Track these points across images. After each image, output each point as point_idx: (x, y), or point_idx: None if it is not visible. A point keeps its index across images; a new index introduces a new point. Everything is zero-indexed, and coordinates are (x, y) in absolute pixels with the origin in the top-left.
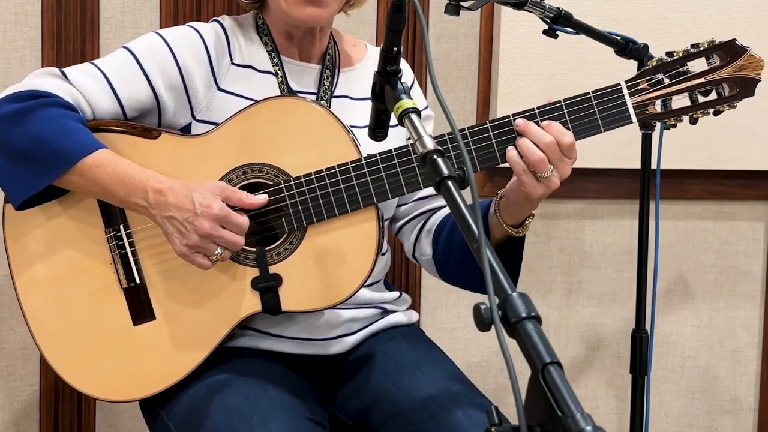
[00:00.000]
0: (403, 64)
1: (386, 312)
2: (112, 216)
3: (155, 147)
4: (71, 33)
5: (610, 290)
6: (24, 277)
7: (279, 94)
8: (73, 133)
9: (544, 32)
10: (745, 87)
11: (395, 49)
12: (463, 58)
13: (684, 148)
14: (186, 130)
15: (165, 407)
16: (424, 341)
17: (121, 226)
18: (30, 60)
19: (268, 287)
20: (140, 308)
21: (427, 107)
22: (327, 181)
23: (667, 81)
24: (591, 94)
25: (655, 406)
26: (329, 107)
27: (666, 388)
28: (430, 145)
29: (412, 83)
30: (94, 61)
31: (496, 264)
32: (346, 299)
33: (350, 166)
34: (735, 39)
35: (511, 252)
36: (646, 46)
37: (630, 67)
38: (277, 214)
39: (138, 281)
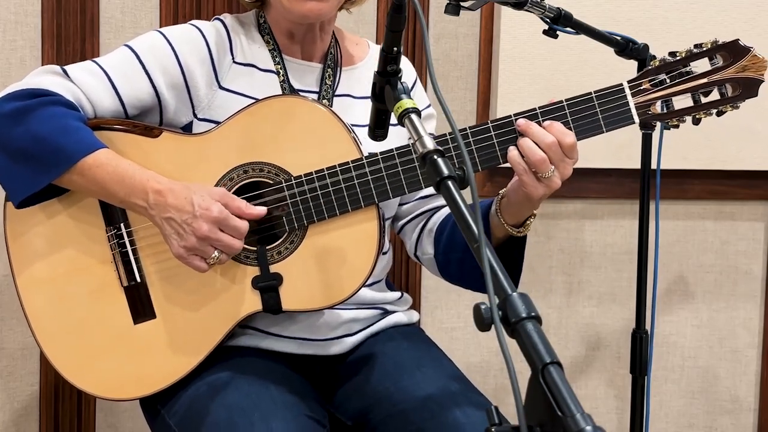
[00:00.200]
0: (406, 62)
1: (387, 312)
2: (113, 214)
3: (156, 145)
4: (71, 33)
5: (610, 290)
6: (25, 276)
7: (280, 92)
8: (74, 132)
9: (544, 32)
10: (749, 87)
11: (395, 49)
12: (463, 58)
13: (684, 148)
14: (187, 129)
15: (165, 405)
16: (424, 341)
17: (122, 225)
18: (30, 60)
19: (268, 286)
20: (141, 307)
21: (429, 106)
22: (328, 180)
23: (669, 81)
24: (593, 94)
25: (655, 406)
26: (331, 106)
27: (666, 388)
28: (430, 144)
29: (415, 81)
30: (95, 59)
31: (496, 264)
32: (346, 299)
33: (351, 165)
34: (738, 39)
35: (512, 252)
36: (646, 46)
37: (630, 67)
38: (278, 213)
39: (138, 280)
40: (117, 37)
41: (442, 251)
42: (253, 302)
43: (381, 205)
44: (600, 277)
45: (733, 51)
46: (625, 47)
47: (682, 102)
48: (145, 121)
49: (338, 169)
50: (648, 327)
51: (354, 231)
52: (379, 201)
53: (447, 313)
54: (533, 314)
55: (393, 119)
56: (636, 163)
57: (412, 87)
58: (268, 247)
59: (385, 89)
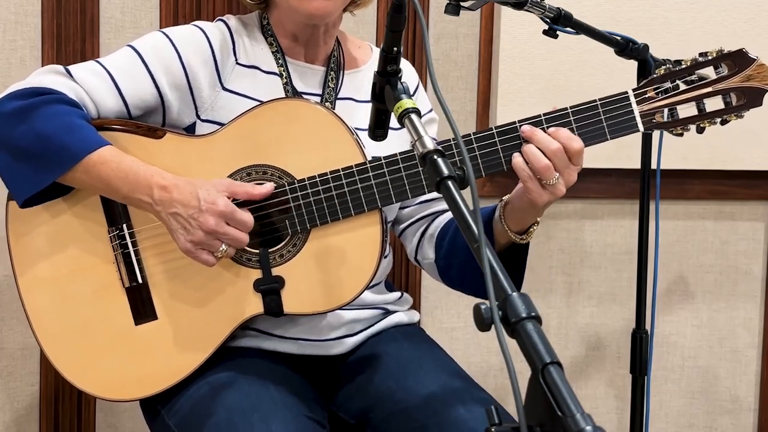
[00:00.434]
0: (408, 67)
1: (388, 312)
2: (115, 215)
3: (159, 146)
4: (71, 33)
5: (610, 290)
6: (27, 276)
7: (284, 94)
8: (78, 130)
9: (544, 32)
10: (753, 97)
11: (395, 49)
12: (463, 58)
13: (684, 148)
14: (190, 130)
15: (165, 406)
16: (425, 340)
17: (125, 225)
18: (30, 60)
19: (270, 289)
20: (142, 308)
21: (431, 110)
22: (332, 185)
23: (674, 90)
24: (598, 102)
25: (655, 406)
26: (333, 109)
27: (666, 388)
28: (430, 145)
29: (417, 87)
30: (98, 59)
31: (496, 264)
32: (348, 303)
33: (355, 170)
34: (743, 48)
35: (514, 258)
36: (646, 46)
37: (630, 67)
38: (281, 215)
39: (140, 281)
40: (117, 37)
41: (443, 256)
42: (254, 305)
43: (383, 209)
44: (600, 277)
45: (739, 60)
46: (625, 47)
47: (687, 110)
48: (148, 122)
49: (342, 173)
50: (648, 327)
51: (357, 235)
52: (383, 206)
53: (447, 313)
54: (533, 314)
55: (395, 122)
56: (636, 163)
57: (414, 92)
58: (270, 250)
59: (385, 89)
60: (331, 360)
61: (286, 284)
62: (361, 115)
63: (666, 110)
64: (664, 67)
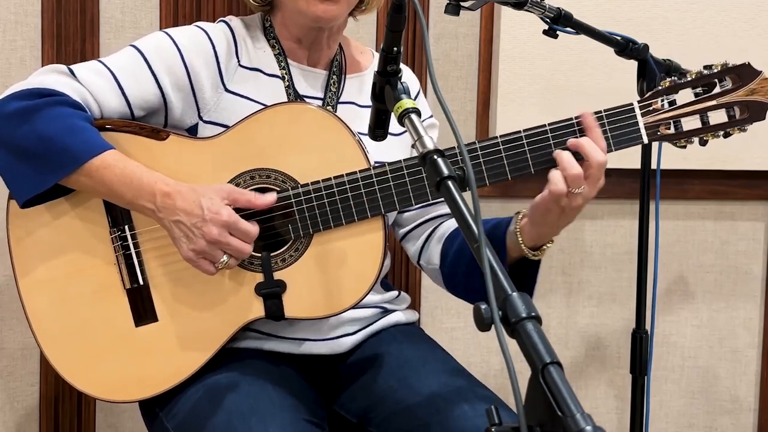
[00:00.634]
0: (409, 74)
1: (387, 311)
2: (117, 216)
3: (163, 148)
4: (71, 33)
5: (610, 290)
6: (27, 277)
7: (285, 97)
8: (81, 132)
9: (544, 32)
10: (757, 111)
11: (395, 49)
12: (463, 58)
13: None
14: (192, 131)
15: (164, 409)
16: (425, 340)
17: (126, 227)
18: (30, 60)
19: (271, 293)
20: (143, 309)
21: (431, 116)
22: (335, 189)
23: (679, 102)
24: (603, 113)
25: (655, 406)
26: (335, 113)
27: (666, 388)
28: (430, 145)
29: (417, 93)
30: (101, 59)
31: (496, 264)
32: (348, 308)
33: (359, 176)
34: (748, 63)
35: (522, 274)
36: (646, 46)
37: (630, 67)
38: (284, 220)
39: (141, 282)
40: (117, 37)
41: (449, 264)
42: (255, 308)
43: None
44: (600, 277)
45: (743, 74)
46: (625, 47)
47: (691, 123)
48: (150, 123)
49: (346, 179)
50: (648, 327)
51: (359, 241)
52: (386, 212)
53: (447, 313)
54: (533, 314)
55: (397, 127)
56: (636, 163)
57: (416, 97)
58: (272, 254)
59: (385, 89)
60: (331, 359)
61: (287, 288)
62: (363, 120)
63: (671, 122)
64: (669, 79)
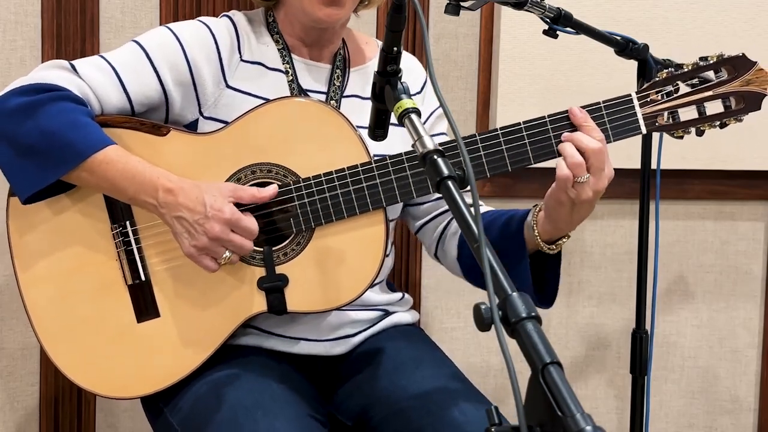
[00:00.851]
0: (416, 64)
1: (388, 313)
2: (118, 212)
3: (164, 144)
4: (71, 33)
5: (610, 290)
6: (28, 272)
7: (289, 92)
8: (83, 128)
9: (544, 32)
10: (752, 101)
11: (395, 49)
12: (463, 58)
13: (684, 148)
14: (192, 127)
15: (168, 404)
16: (424, 341)
17: (128, 223)
18: (30, 60)
19: (273, 287)
20: (144, 305)
21: (440, 107)
22: (336, 183)
23: (676, 93)
24: (601, 104)
25: (655, 406)
26: (339, 107)
27: (666, 388)
28: (430, 145)
29: (424, 83)
30: (103, 55)
31: (496, 264)
32: (350, 302)
33: (360, 169)
34: (743, 53)
35: (541, 268)
36: (646, 46)
37: (630, 67)
38: (286, 214)
39: (143, 278)
40: (117, 37)
41: (467, 255)
42: (258, 303)
43: (386, 208)
44: (600, 277)
45: (738, 65)
46: (625, 47)
47: (688, 113)
48: (150, 119)
49: (347, 172)
50: (648, 327)
51: (360, 234)
52: (387, 205)
53: (447, 313)
54: (533, 314)
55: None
56: (636, 163)
57: (423, 87)
58: (274, 248)
59: (385, 89)
60: (331, 360)
61: (289, 282)
62: (367, 113)
63: (668, 113)
64: (666, 70)
